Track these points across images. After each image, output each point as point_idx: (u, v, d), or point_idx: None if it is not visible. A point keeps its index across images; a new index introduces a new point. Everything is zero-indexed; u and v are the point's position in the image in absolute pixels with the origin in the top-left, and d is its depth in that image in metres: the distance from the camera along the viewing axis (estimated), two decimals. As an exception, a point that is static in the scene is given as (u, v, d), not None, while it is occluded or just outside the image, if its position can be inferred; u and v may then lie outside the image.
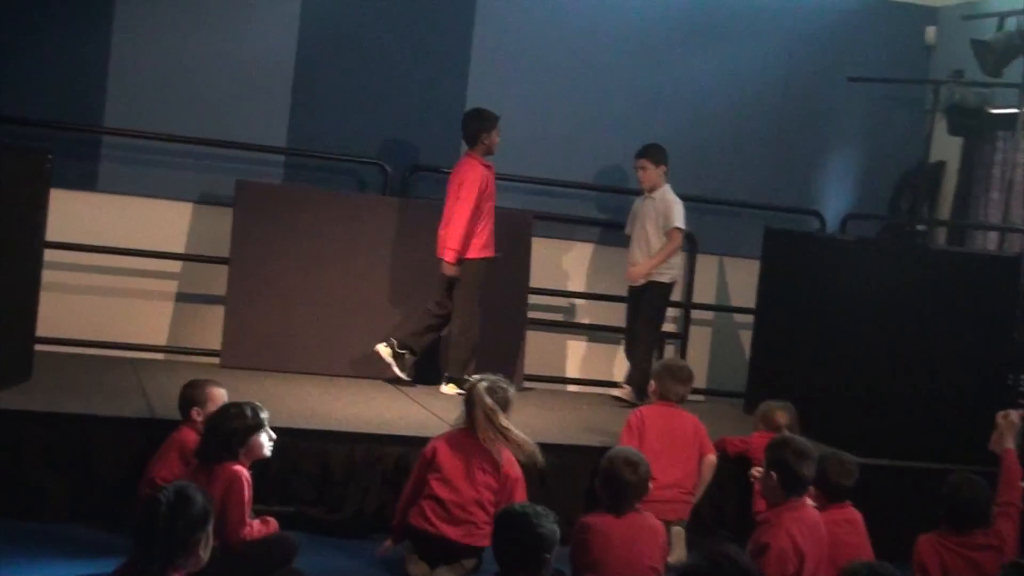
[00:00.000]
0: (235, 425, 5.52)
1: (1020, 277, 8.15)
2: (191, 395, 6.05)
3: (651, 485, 5.52)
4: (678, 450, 6.76)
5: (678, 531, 6.53)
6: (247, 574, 5.48)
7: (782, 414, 7.06)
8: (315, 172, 9.09)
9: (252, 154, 8.86)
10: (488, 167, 8.31)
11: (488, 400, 5.96)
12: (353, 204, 8.94)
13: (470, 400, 6.04)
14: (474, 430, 5.98)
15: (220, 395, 6.02)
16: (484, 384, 6.05)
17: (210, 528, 4.06)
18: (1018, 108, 8.84)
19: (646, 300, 8.72)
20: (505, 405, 6.04)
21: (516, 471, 6.07)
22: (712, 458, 6.90)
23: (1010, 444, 6.04)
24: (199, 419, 5.93)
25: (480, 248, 8.29)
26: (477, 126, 8.33)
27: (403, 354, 8.34)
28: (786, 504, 5.28)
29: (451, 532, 5.91)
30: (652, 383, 7.08)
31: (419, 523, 5.97)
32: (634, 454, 5.55)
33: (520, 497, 5.96)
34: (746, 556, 4.26)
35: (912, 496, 6.99)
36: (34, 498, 6.20)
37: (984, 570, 5.28)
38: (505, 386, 6.12)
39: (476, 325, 8.33)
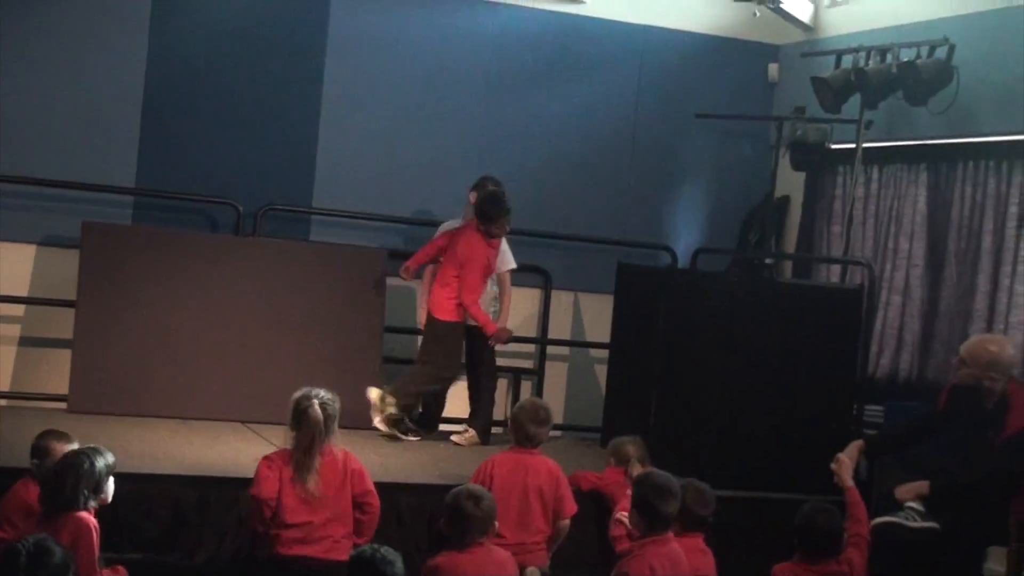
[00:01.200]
0: (82, 473, 5.39)
1: (862, 308, 8.40)
2: (36, 445, 5.85)
3: (497, 527, 5.50)
4: (531, 506, 6.48)
5: (533, 571, 6.35)
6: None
7: (632, 447, 7.09)
8: (165, 212, 8.95)
9: (99, 195, 8.70)
10: (489, 244, 8.49)
11: (321, 418, 5.99)
12: (204, 244, 8.83)
13: (306, 418, 6.01)
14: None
15: (62, 449, 5.80)
16: (317, 401, 6.05)
17: (68, 581, 3.99)
18: (856, 144, 9.10)
19: (481, 347, 8.62)
20: (335, 418, 6.08)
21: (356, 463, 6.12)
22: (566, 523, 6.62)
23: (849, 483, 6.24)
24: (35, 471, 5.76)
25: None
26: (495, 211, 8.41)
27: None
28: (650, 538, 5.34)
29: (311, 551, 5.86)
30: (511, 425, 6.96)
31: (281, 551, 5.91)
32: (477, 488, 5.55)
33: (369, 485, 6.07)
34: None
35: (766, 526, 7.12)
36: None
37: (836, 597, 5.41)
38: (332, 400, 6.14)
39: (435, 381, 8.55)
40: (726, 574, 5.75)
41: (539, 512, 6.52)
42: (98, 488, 5.45)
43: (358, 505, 6.09)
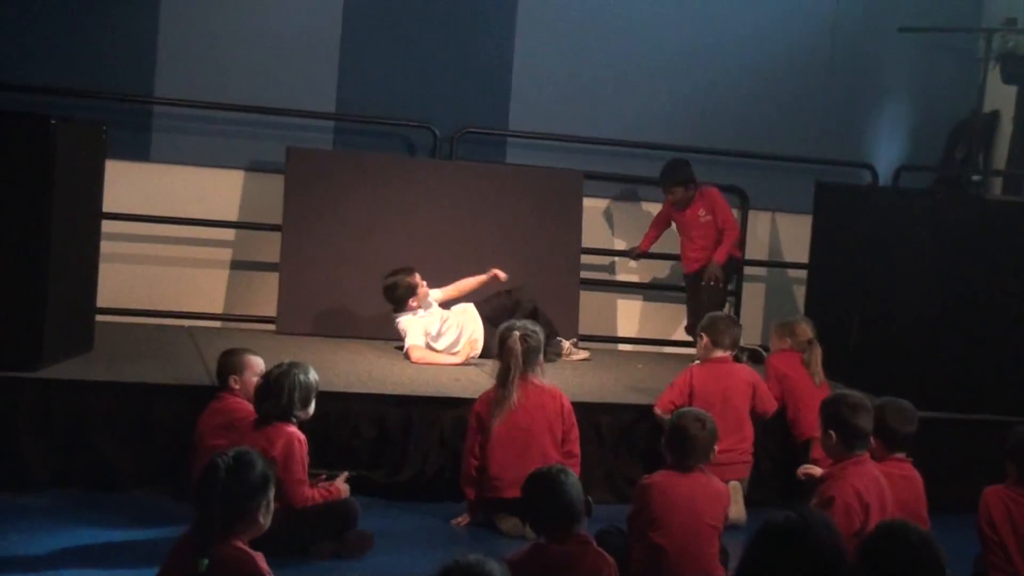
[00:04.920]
0: (296, 384, 5.58)
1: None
2: (228, 363, 6.12)
3: (717, 451, 5.48)
4: (730, 411, 6.65)
5: (735, 485, 6.44)
6: (311, 536, 5.57)
7: (807, 326, 7.32)
8: (364, 137, 9.11)
9: (301, 120, 8.88)
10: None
11: (519, 349, 6.15)
12: (403, 167, 8.96)
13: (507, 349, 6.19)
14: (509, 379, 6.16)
15: (257, 362, 6.08)
16: (518, 332, 6.20)
17: (271, 494, 4.02)
18: (1072, 55, 8.73)
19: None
20: (537, 351, 6.22)
21: (567, 402, 6.28)
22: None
23: None
24: (236, 386, 6.01)
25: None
26: None
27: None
28: (849, 459, 5.25)
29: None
30: (703, 338, 7.01)
31: (494, 495, 6.12)
32: (702, 412, 5.50)
33: (575, 425, 6.25)
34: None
35: (970, 448, 6.97)
36: (100, 467, 6.29)
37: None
38: (536, 330, 6.29)
39: None
40: (930, 498, 5.61)
41: (742, 417, 6.75)
42: (307, 401, 5.64)
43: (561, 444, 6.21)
